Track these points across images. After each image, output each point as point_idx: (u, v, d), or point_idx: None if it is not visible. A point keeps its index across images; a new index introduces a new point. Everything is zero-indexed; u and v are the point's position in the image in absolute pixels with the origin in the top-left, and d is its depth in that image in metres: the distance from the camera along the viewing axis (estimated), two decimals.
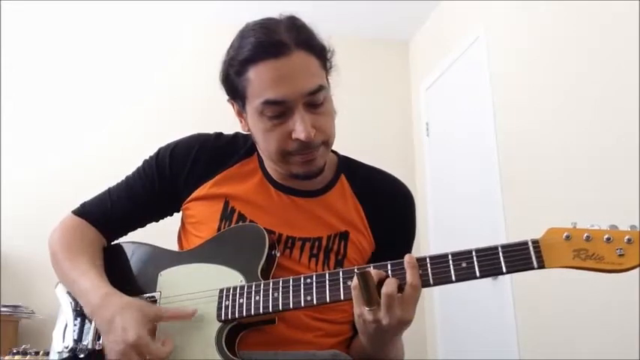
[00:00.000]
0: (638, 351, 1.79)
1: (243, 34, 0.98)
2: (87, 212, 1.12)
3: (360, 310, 0.84)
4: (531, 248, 0.78)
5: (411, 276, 0.83)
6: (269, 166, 1.08)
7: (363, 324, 0.86)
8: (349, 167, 1.13)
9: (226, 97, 1.05)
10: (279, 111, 0.94)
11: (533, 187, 2.46)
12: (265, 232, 0.99)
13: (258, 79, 0.94)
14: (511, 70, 2.72)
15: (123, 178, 1.15)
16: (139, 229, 1.15)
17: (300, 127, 0.93)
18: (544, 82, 2.44)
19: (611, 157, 2.02)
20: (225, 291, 0.95)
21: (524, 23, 2.63)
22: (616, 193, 1.96)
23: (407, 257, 0.85)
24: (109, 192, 1.14)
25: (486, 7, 2.96)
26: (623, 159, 1.94)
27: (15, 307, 2.78)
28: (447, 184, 3.31)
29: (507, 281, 2.59)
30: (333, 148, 1.11)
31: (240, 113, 1.04)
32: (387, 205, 1.09)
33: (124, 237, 1.17)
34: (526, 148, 2.54)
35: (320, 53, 0.98)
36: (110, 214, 1.11)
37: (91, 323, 1.04)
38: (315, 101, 0.95)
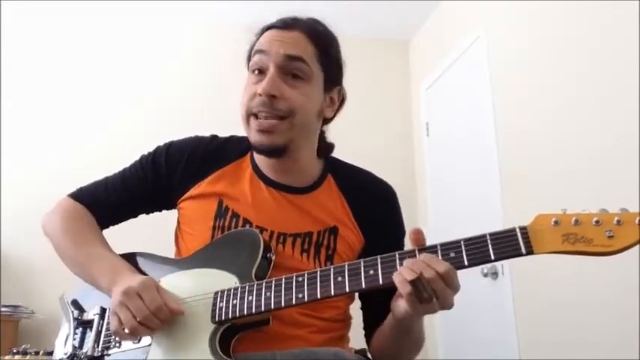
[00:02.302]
0: (638, 351, 1.79)
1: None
2: (83, 197, 1.17)
3: (415, 308, 0.83)
4: (519, 234, 0.79)
5: (439, 265, 0.81)
6: (262, 163, 1.11)
7: (415, 315, 0.86)
8: (335, 166, 1.17)
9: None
10: (258, 65, 1.04)
11: (533, 186, 2.46)
12: (260, 236, 1.00)
13: (259, 40, 1.08)
14: (511, 70, 2.72)
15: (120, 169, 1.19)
16: (141, 230, 1.16)
17: (264, 82, 1.01)
18: (544, 82, 2.44)
19: (611, 157, 2.02)
20: (219, 293, 0.95)
21: (524, 23, 2.63)
22: (616, 192, 1.96)
23: (422, 256, 0.83)
24: (106, 180, 1.18)
25: (486, 7, 2.96)
26: (623, 159, 1.94)
27: (15, 307, 2.78)
28: (447, 184, 3.31)
29: (507, 280, 2.59)
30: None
31: None
32: (372, 202, 1.12)
33: (118, 228, 1.20)
34: (526, 147, 2.55)
35: (321, 47, 1.07)
36: (105, 201, 1.15)
37: (91, 331, 1.05)
38: (292, 69, 1.03)
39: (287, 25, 1.06)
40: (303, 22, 1.08)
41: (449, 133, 3.34)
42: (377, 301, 1.05)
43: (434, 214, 3.42)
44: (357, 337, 1.12)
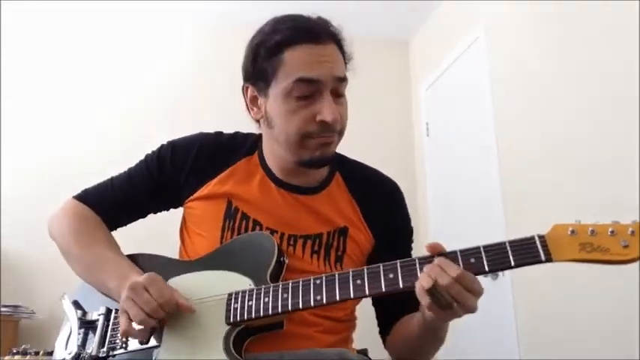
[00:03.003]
0: (638, 351, 1.79)
1: (275, 22, 1.04)
2: (88, 198, 1.15)
3: (438, 315, 0.84)
4: (538, 243, 0.80)
5: (453, 270, 0.82)
6: (272, 163, 1.10)
7: (440, 321, 0.88)
8: (343, 164, 1.16)
9: (242, 83, 1.08)
10: (308, 91, 0.99)
11: (533, 186, 2.46)
12: (274, 240, 1.00)
13: (294, 59, 0.99)
14: (511, 70, 2.72)
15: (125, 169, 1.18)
16: (144, 227, 1.15)
17: (327, 110, 0.98)
18: (544, 82, 2.45)
19: (612, 156, 2.02)
20: (234, 294, 0.95)
21: (524, 23, 2.63)
22: (616, 190, 1.96)
23: (437, 260, 0.84)
24: (112, 181, 1.16)
25: (486, 7, 2.96)
26: (623, 158, 1.94)
27: (15, 307, 2.78)
28: (446, 184, 3.32)
29: (507, 281, 2.59)
30: None
31: (255, 100, 1.07)
32: (380, 200, 1.12)
33: (125, 227, 1.18)
34: (526, 147, 2.55)
35: (345, 55, 1.06)
36: (111, 201, 1.14)
37: (94, 333, 1.04)
38: (340, 90, 1.02)
39: (318, 36, 1.01)
40: (325, 28, 1.04)
41: (449, 133, 3.34)
42: (389, 299, 1.05)
43: (434, 214, 3.42)
44: (357, 338, 1.13)
